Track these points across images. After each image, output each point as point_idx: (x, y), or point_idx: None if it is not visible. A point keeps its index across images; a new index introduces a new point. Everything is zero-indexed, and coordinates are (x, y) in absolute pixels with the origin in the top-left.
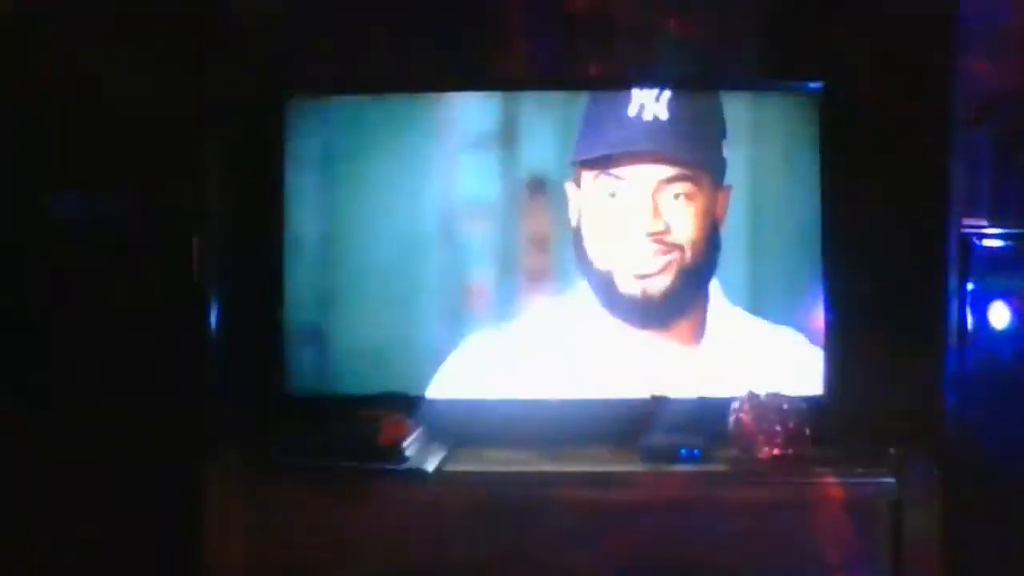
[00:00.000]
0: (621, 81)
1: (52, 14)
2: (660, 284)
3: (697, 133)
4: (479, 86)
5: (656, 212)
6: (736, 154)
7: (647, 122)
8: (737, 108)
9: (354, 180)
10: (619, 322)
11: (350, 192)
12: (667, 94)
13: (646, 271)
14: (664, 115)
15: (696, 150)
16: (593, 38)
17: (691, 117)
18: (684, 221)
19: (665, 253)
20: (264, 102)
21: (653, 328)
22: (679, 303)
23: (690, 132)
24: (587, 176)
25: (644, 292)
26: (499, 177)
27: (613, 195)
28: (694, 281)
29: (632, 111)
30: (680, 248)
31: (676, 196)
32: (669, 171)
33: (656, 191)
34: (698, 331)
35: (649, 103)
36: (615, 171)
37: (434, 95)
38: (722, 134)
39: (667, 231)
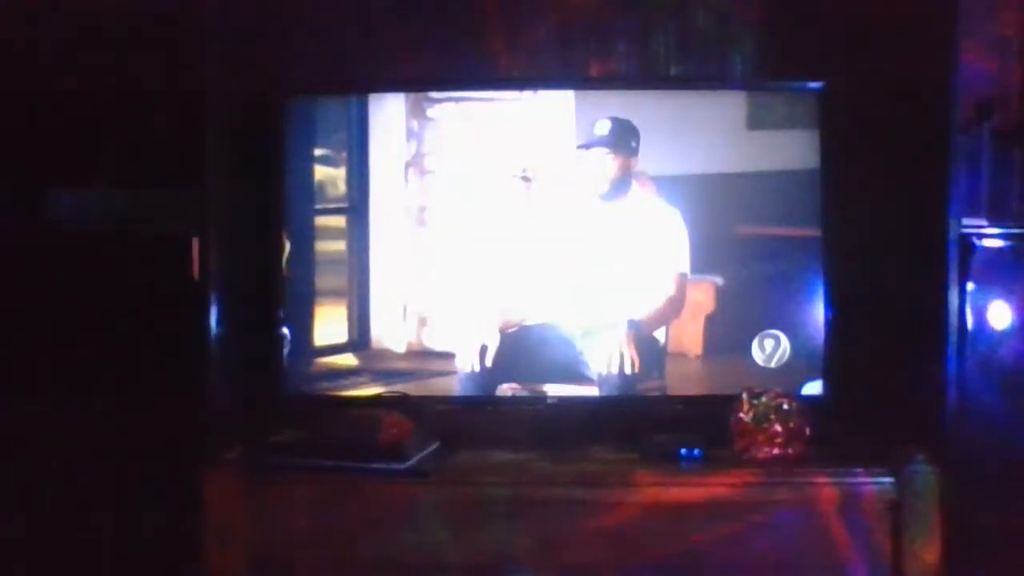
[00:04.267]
0: (620, 81)
1: (53, 15)
2: None
3: None
4: (479, 86)
5: None
6: (737, 153)
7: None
8: (737, 108)
9: (354, 180)
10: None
11: (350, 191)
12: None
13: None
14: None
15: None
16: (593, 38)
17: None
18: None
19: None
20: (264, 102)
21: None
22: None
23: None
24: None
25: None
26: (499, 176)
27: None
28: None
29: None
30: None
31: None
32: None
33: None
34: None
35: None
36: None
37: (434, 95)
38: None
39: None
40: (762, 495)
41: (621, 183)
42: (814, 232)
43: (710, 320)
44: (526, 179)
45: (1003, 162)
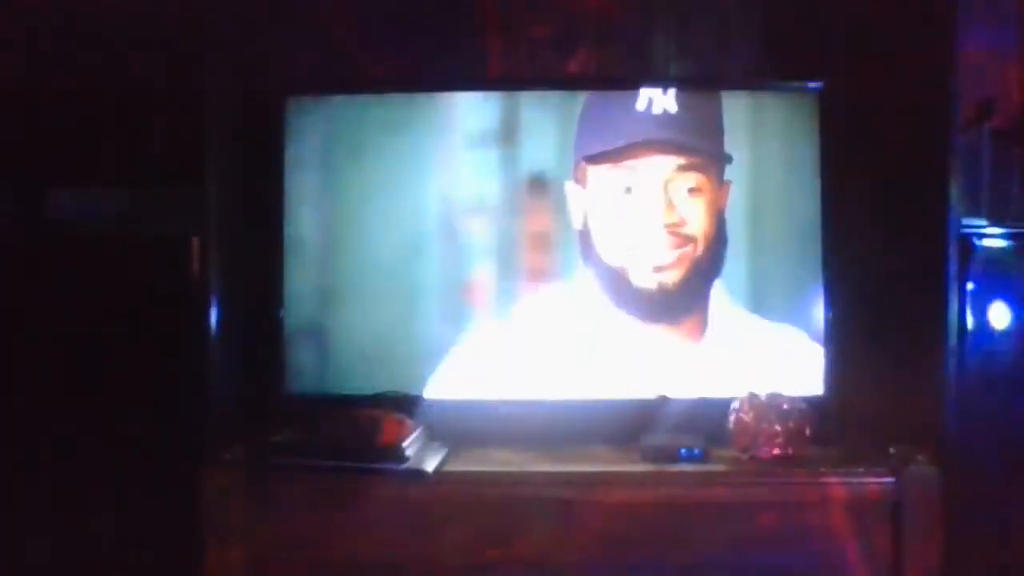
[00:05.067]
0: (621, 81)
1: (53, 15)
2: (674, 276)
3: (704, 125)
4: (479, 86)
5: (670, 204)
6: (737, 154)
7: (656, 115)
8: (737, 108)
9: (354, 180)
10: (627, 317)
11: (350, 192)
12: (672, 89)
13: (661, 263)
14: (672, 108)
15: (704, 140)
16: (593, 38)
17: (697, 110)
18: (696, 214)
19: (679, 246)
20: (264, 102)
21: (662, 323)
22: (690, 297)
23: (698, 123)
24: (595, 172)
25: (659, 285)
26: (499, 176)
27: (628, 190)
28: (704, 275)
29: (640, 105)
30: (693, 241)
31: (688, 189)
32: (681, 161)
33: (668, 183)
34: (701, 329)
35: (656, 97)
36: (628, 164)
37: (434, 95)
38: (722, 129)
39: (682, 223)
40: (762, 495)
41: None
42: (814, 232)
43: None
44: (530, 182)
45: (1003, 162)
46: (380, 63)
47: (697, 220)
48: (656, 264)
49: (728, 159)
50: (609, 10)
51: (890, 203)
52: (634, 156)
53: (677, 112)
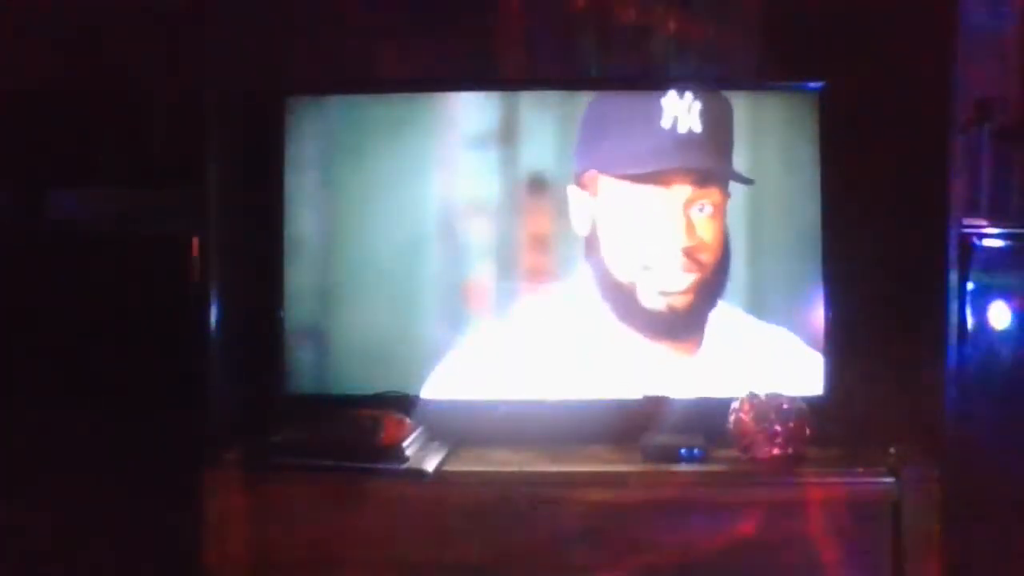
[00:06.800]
0: (620, 81)
1: (53, 15)
2: (684, 301)
3: (721, 142)
4: (479, 86)
5: (690, 227)
6: (736, 154)
7: (681, 135)
8: (737, 108)
9: (354, 180)
10: (630, 332)
11: (350, 192)
12: (697, 105)
13: (673, 288)
14: (697, 127)
15: (723, 160)
16: (593, 38)
17: (716, 126)
18: (713, 234)
19: (693, 271)
20: (264, 102)
21: (665, 341)
22: (696, 317)
23: (717, 141)
24: (608, 183)
25: (669, 307)
26: (499, 177)
27: (647, 207)
28: (712, 296)
29: (665, 123)
30: (707, 266)
31: (704, 208)
32: (701, 183)
33: (688, 204)
34: (699, 343)
35: (681, 116)
36: (649, 183)
37: (434, 95)
38: (733, 142)
39: (700, 247)
40: (762, 495)
41: None
42: (814, 232)
43: None
44: (530, 182)
45: (1003, 162)
46: (380, 63)
47: (714, 242)
48: (667, 289)
49: (736, 176)
50: (609, 10)
51: (890, 203)
52: (658, 178)
53: (701, 132)
